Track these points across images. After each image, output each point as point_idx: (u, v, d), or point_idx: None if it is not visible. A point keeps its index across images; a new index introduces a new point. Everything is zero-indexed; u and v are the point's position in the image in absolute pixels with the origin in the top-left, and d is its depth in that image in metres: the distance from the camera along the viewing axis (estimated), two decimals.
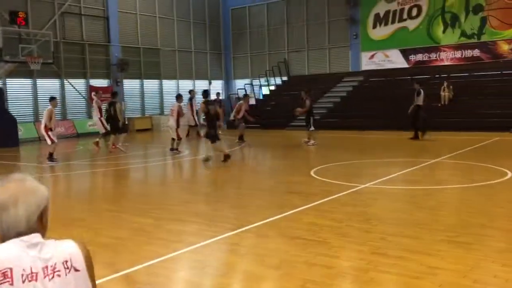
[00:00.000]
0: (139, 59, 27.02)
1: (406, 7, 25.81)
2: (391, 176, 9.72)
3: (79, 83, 24.46)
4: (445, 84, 21.68)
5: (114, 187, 10.45)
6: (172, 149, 14.94)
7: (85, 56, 24.53)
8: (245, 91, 25.49)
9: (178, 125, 14.89)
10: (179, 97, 15.58)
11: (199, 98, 28.16)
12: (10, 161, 14.69)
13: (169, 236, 5.99)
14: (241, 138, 17.20)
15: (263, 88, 30.05)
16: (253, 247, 5.47)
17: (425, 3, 25.30)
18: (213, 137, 12.34)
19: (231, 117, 18.10)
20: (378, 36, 26.73)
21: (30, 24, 21.62)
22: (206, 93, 13.22)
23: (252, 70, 30.90)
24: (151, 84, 28.03)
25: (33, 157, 16.41)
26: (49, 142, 13.30)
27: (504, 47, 23.56)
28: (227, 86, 32.31)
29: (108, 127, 16.09)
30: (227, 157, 12.25)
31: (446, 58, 25.06)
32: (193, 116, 18.89)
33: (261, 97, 29.51)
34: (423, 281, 4.27)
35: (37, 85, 22.68)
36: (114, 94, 17.02)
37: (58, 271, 1.55)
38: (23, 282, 1.50)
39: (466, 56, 24.51)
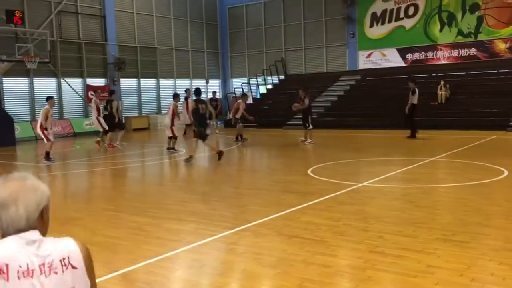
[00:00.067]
0: (136, 58, 26.99)
1: (403, 6, 25.85)
2: (388, 174, 9.74)
3: (76, 82, 24.40)
4: (442, 83, 21.72)
5: (111, 186, 10.44)
6: (169, 148, 14.95)
7: (82, 55, 24.48)
8: (242, 90, 25.50)
9: (173, 123, 14.93)
10: (175, 96, 15.63)
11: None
12: (7, 160, 14.66)
13: (167, 235, 5.99)
14: (238, 137, 17.15)
15: (260, 87, 30.05)
16: (251, 246, 5.47)
17: (422, 2, 25.34)
18: (203, 135, 12.36)
19: (229, 116, 18.05)
20: (375, 35, 26.76)
21: (27, 23, 21.57)
22: (198, 91, 13.15)
23: (249, 69, 30.90)
24: (148, 83, 27.99)
25: (29, 157, 16.37)
26: (45, 141, 13.33)
27: (501, 46, 23.63)
28: (224, 85, 32.30)
29: (106, 126, 16.19)
30: (220, 154, 12.31)
31: (443, 57, 25.11)
32: (189, 114, 18.88)
33: (258, 96, 29.52)
34: (420, 279, 4.28)
35: (34, 84, 22.62)
36: (111, 92, 17.49)
37: (55, 268, 1.55)
38: (19, 278, 1.50)
39: (463, 55, 24.57)
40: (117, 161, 13.81)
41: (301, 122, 16.84)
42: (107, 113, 16.49)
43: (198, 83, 30.56)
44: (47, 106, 13.38)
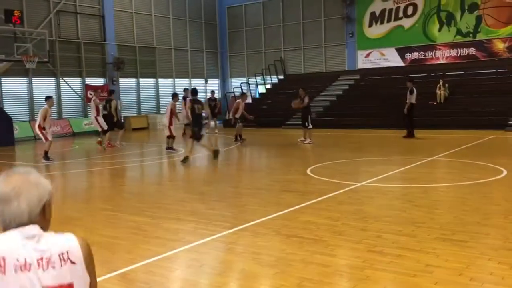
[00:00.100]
0: (135, 58, 26.98)
1: (402, 6, 25.86)
2: (387, 174, 9.75)
3: (75, 82, 24.38)
4: (441, 82, 21.74)
5: (110, 186, 10.43)
6: (168, 148, 14.96)
7: (81, 54, 24.47)
8: (241, 89, 25.50)
9: (170, 123, 14.94)
10: (174, 96, 15.64)
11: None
12: (6, 160, 14.64)
13: (166, 235, 5.99)
14: (237, 137, 17.11)
15: (259, 86, 30.04)
16: (250, 245, 5.47)
17: (421, 2, 25.36)
18: (196, 135, 12.33)
19: (230, 116, 17.98)
20: (374, 35, 26.77)
21: (25, 22, 21.55)
22: (194, 91, 13.07)
23: (248, 69, 30.89)
24: (147, 83, 27.99)
25: (28, 156, 16.35)
26: (44, 140, 13.35)
27: (500, 46, 23.64)
28: (224, 84, 32.30)
29: (104, 125, 16.24)
30: (216, 152, 12.31)
31: (442, 56, 25.13)
32: (188, 114, 18.88)
33: (257, 96, 29.51)
34: (419, 279, 4.28)
35: (33, 84, 22.60)
36: (111, 92, 17.71)
37: (54, 263, 1.55)
38: (16, 272, 1.51)
39: (461, 54, 24.59)
40: (116, 161, 13.80)
41: (300, 122, 16.82)
42: (106, 112, 16.56)
43: (197, 82, 30.58)
44: (46, 106, 13.38)
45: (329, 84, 26.64)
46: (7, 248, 1.54)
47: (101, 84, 25.07)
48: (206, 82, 31.02)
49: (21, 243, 1.55)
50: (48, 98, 13.67)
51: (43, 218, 1.63)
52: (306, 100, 16.21)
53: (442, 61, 25.07)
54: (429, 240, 5.37)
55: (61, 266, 1.56)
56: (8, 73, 21.08)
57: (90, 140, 20.10)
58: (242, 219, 6.53)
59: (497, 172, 9.48)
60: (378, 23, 26.60)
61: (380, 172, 9.88)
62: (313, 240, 5.49)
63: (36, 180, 1.63)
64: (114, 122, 16.62)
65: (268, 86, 29.40)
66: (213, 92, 24.16)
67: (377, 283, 4.26)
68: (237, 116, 17.01)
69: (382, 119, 20.57)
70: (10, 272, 1.50)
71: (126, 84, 26.74)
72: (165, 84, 28.78)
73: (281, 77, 29.33)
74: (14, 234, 1.56)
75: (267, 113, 24.85)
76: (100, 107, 16.66)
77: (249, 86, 29.12)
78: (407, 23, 25.82)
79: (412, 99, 16.60)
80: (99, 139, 16.38)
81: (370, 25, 26.86)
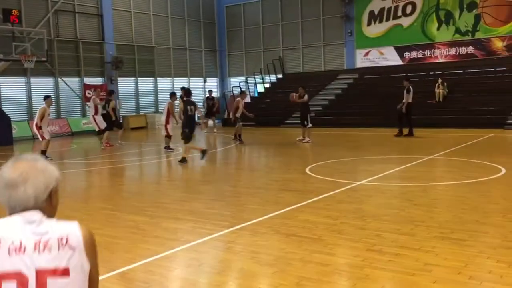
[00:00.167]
0: (133, 57, 26.94)
1: (401, 4, 25.86)
2: (386, 173, 9.75)
3: (73, 81, 24.35)
4: (440, 81, 21.75)
5: (109, 185, 10.43)
6: (166, 147, 14.95)
7: (79, 54, 24.44)
8: (240, 88, 25.48)
9: (167, 122, 14.93)
10: (172, 95, 15.63)
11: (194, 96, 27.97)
12: (4, 159, 14.60)
13: (165, 234, 5.99)
14: (237, 136, 17.03)
15: (258, 85, 30.03)
16: (249, 244, 5.47)
17: (420, 0, 25.36)
18: (187, 136, 12.26)
19: (231, 115, 17.87)
20: (373, 34, 26.76)
21: (24, 22, 21.52)
22: (187, 92, 12.90)
23: (247, 68, 30.87)
24: (145, 82, 27.96)
25: None
26: (40, 139, 13.40)
27: (498, 44, 23.65)
28: (222, 84, 32.27)
29: (102, 125, 16.33)
30: (204, 152, 12.25)
31: (441, 55, 25.13)
32: (180, 115, 18.89)
33: (256, 95, 29.50)
34: (418, 277, 4.28)
35: (31, 84, 22.57)
36: (110, 92, 17.76)
37: (51, 246, 1.55)
38: (10, 254, 1.52)
39: (460, 53, 24.60)
40: (115, 160, 13.79)
41: (299, 121, 16.79)
42: (105, 112, 16.65)
43: (196, 82, 30.59)
44: (44, 105, 13.37)
45: (328, 83, 26.64)
46: (4, 231, 1.55)
47: (100, 84, 25.04)
48: (205, 81, 31.00)
49: (20, 226, 1.56)
50: (46, 97, 13.67)
51: (49, 204, 1.65)
52: (306, 97, 16.23)
53: (440, 60, 25.07)
54: (428, 238, 5.37)
55: (59, 250, 1.56)
56: (6, 72, 21.05)
57: (88, 139, 20.09)
58: (241, 218, 6.53)
59: (496, 171, 9.50)
60: (377, 21, 26.60)
61: (379, 171, 9.88)
62: (312, 239, 5.50)
63: (43, 167, 1.65)
64: (112, 121, 16.68)
65: (267, 85, 29.38)
66: (210, 91, 24.15)
67: (376, 282, 4.27)
68: (238, 115, 16.91)
69: (381, 118, 20.57)
70: (4, 254, 1.52)
71: (124, 83, 26.71)
72: (164, 83, 28.75)
73: (280, 76, 29.32)
74: (15, 218, 1.58)
75: (266, 112, 24.84)
76: (100, 106, 16.69)
77: (248, 85, 29.10)
78: (405, 22, 25.82)
79: (409, 98, 16.62)
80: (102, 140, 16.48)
81: (369, 24, 26.85)
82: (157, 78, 28.37)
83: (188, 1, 29.84)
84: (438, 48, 25.15)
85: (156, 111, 27.58)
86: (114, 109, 16.80)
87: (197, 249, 5.38)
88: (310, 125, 16.18)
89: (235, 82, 29.46)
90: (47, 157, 13.25)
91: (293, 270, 4.56)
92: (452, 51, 24.82)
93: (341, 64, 28.00)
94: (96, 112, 16.52)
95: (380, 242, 5.27)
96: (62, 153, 16.12)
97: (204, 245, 5.49)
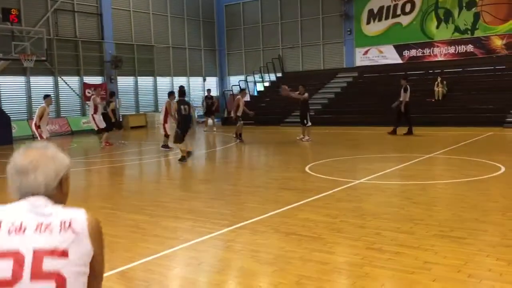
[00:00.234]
0: (133, 56, 26.92)
1: (400, 3, 25.85)
2: (385, 171, 9.76)
3: (73, 81, 24.34)
4: (439, 79, 21.75)
5: (108, 185, 10.43)
6: (163, 146, 14.94)
7: (79, 53, 24.41)
8: (240, 87, 25.48)
9: (165, 121, 14.92)
10: (171, 94, 15.59)
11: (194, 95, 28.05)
12: (4, 159, 14.60)
13: (164, 233, 5.99)
14: (238, 135, 16.97)
15: (257, 84, 30.01)
16: (248, 243, 5.47)
17: None
18: (178, 137, 12.21)
19: (232, 114, 17.81)
20: (372, 32, 26.75)
21: (23, 21, 21.50)
22: (181, 91, 12.79)
23: (247, 67, 30.86)
24: (145, 81, 27.93)
25: None
26: (39, 138, 13.42)
27: (497, 42, 23.65)
28: (222, 82, 32.26)
29: (101, 124, 16.41)
30: (188, 154, 12.13)
31: (440, 53, 25.13)
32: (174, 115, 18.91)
33: (255, 94, 29.49)
34: (417, 276, 4.29)
35: (31, 83, 22.56)
36: (111, 94, 17.90)
37: (52, 228, 1.56)
38: (9, 234, 1.54)
39: (459, 51, 24.59)
40: (114, 159, 13.79)
41: (299, 120, 16.78)
42: (105, 112, 16.73)
43: (195, 81, 30.60)
44: (43, 105, 13.38)
45: (327, 81, 26.64)
46: (6, 213, 1.58)
47: (99, 83, 25.02)
48: (204, 80, 30.98)
49: (23, 210, 1.59)
50: (46, 96, 13.67)
51: (60, 191, 1.67)
52: (306, 95, 16.24)
53: (440, 58, 25.07)
54: (427, 237, 5.38)
55: (60, 232, 1.56)
56: (5, 71, 21.03)
57: (88, 138, 20.09)
58: (241, 217, 6.53)
59: (495, 169, 9.50)
60: (376, 20, 26.59)
61: (379, 169, 9.89)
62: (312, 238, 5.50)
63: (53, 155, 1.68)
64: (112, 123, 16.75)
65: (267, 84, 29.37)
66: (209, 90, 24.14)
67: (375, 280, 4.27)
68: (239, 113, 16.82)
69: (380, 117, 20.55)
70: (4, 234, 1.54)
71: (124, 82, 26.69)
72: (163, 82, 28.74)
73: (279, 74, 29.30)
74: (20, 203, 1.61)
75: (265, 111, 24.82)
76: (100, 106, 16.74)
77: (247, 84, 29.08)
78: (405, 20, 25.81)
79: (406, 97, 16.65)
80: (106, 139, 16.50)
81: (368, 23, 26.84)
82: (157, 77, 28.35)
83: (187, 0, 29.81)
84: (438, 46, 25.14)
85: (156, 110, 27.56)
86: (114, 111, 16.84)
87: (197, 248, 5.38)
88: (309, 123, 16.18)
89: (235, 81, 29.45)
90: None
91: (292, 269, 4.57)
92: (452, 50, 24.82)
93: (341, 62, 28.00)
94: (95, 111, 16.53)
95: (380, 241, 5.28)
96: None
97: (203, 244, 5.49)
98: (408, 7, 25.68)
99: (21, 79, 22.34)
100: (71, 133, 22.93)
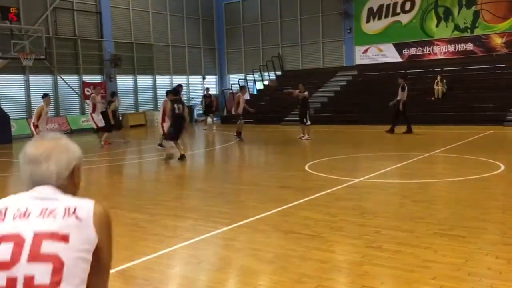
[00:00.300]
0: (132, 55, 26.90)
1: (400, 1, 25.82)
2: (385, 170, 9.75)
3: (72, 79, 24.32)
4: (439, 78, 21.74)
5: (108, 183, 10.43)
6: (159, 145, 14.91)
7: (78, 51, 24.39)
8: (239, 86, 25.43)
9: (163, 120, 14.89)
10: (169, 93, 15.58)
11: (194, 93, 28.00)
12: (3, 157, 14.61)
13: (164, 232, 5.99)
14: (238, 134, 16.94)
15: (257, 83, 30.00)
16: (248, 242, 5.47)
17: None
18: (171, 136, 12.14)
19: (233, 111, 17.77)
20: (372, 30, 26.73)
21: (22, 19, 21.46)
22: (175, 90, 12.73)
23: (246, 65, 30.84)
24: (144, 80, 27.91)
25: None
26: None
27: (497, 41, 23.64)
28: (221, 81, 32.24)
29: (99, 123, 16.42)
30: (169, 157, 12.07)
31: (440, 52, 25.11)
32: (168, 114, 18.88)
33: (255, 92, 29.47)
34: (417, 274, 4.29)
35: (30, 81, 22.54)
36: (112, 94, 17.87)
37: (56, 213, 1.57)
38: (14, 219, 1.56)
39: (459, 50, 24.58)
40: (114, 158, 13.79)
41: (298, 119, 16.77)
42: (105, 111, 16.73)
43: (195, 79, 30.57)
44: (42, 104, 13.37)
45: (327, 80, 26.62)
46: (13, 199, 1.61)
47: (99, 81, 25.00)
48: (203, 78, 30.96)
49: (32, 197, 1.61)
50: (44, 96, 13.65)
51: (71, 182, 1.70)
52: (306, 94, 16.24)
53: (440, 57, 25.06)
54: (427, 235, 5.38)
55: (63, 217, 1.57)
56: (4, 70, 21.01)
57: (87, 137, 20.07)
58: (241, 216, 6.53)
59: (495, 167, 9.50)
60: (376, 18, 26.57)
61: (378, 167, 9.88)
62: (312, 236, 5.50)
63: (65, 145, 1.71)
64: (111, 125, 16.69)
65: (266, 83, 29.35)
66: (207, 88, 24.13)
67: (375, 279, 4.27)
68: (240, 111, 16.75)
69: (380, 115, 20.54)
70: (9, 220, 1.56)
71: (123, 81, 26.67)
72: (163, 81, 28.71)
73: (279, 73, 29.29)
74: (28, 192, 1.63)
75: (265, 110, 24.79)
76: (100, 105, 16.74)
77: (247, 83, 29.06)
78: (404, 18, 25.79)
79: (404, 96, 16.66)
80: (106, 139, 16.49)
81: (368, 21, 26.82)
82: (156, 76, 28.33)
83: None
84: (437, 45, 25.13)
85: (155, 108, 27.51)
86: (114, 111, 16.78)
87: (197, 246, 5.38)
88: (308, 122, 16.17)
89: (234, 80, 29.44)
90: None
91: (292, 267, 4.56)
92: (451, 48, 24.81)
93: (340, 61, 27.98)
94: (93, 110, 16.54)
95: (380, 239, 5.28)
96: None
97: (203, 243, 5.49)
98: (407, 5, 25.66)
99: (20, 77, 22.32)
100: (71, 132, 22.90)
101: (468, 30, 24.23)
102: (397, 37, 25.90)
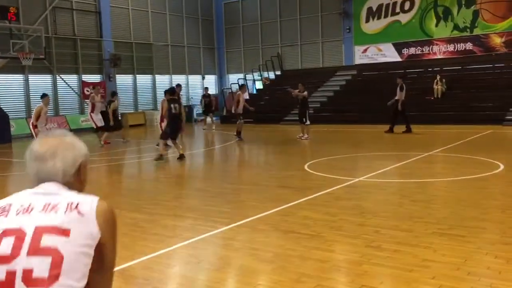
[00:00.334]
0: (131, 54, 26.89)
1: (399, 1, 25.83)
2: (384, 169, 9.76)
3: (71, 79, 24.31)
4: (438, 77, 21.75)
5: (107, 183, 10.42)
6: (158, 144, 14.91)
7: (77, 51, 24.38)
8: (238, 84, 25.42)
9: (161, 119, 14.90)
10: (166, 93, 15.58)
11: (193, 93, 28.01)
12: (3, 157, 14.60)
13: (164, 231, 5.99)
14: (238, 134, 16.91)
15: (256, 82, 29.99)
16: (248, 241, 5.48)
17: None
18: (164, 135, 12.11)
19: (233, 110, 17.75)
20: (371, 30, 26.74)
21: (21, 19, 21.45)
22: (171, 90, 12.70)
23: (246, 65, 30.84)
24: (144, 79, 27.91)
25: None
26: (35, 138, 13.40)
27: (497, 40, 23.65)
28: (221, 80, 32.24)
29: (99, 123, 16.43)
30: (160, 157, 12.03)
31: (439, 51, 25.12)
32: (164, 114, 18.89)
33: (254, 92, 29.47)
34: (416, 273, 4.29)
35: (29, 81, 22.53)
36: (113, 93, 17.83)
37: (58, 208, 1.58)
38: (17, 214, 1.57)
39: (458, 49, 24.58)
40: (113, 158, 13.79)
41: (298, 118, 16.77)
42: (105, 110, 16.75)
43: (194, 79, 30.57)
44: (41, 104, 13.36)
45: (326, 79, 26.62)
46: (17, 196, 1.63)
47: (98, 81, 24.99)
48: (203, 78, 30.96)
49: (35, 192, 1.62)
50: (43, 96, 13.63)
51: (77, 179, 1.71)
52: (306, 93, 16.26)
53: (439, 56, 25.07)
54: (426, 235, 5.38)
55: (65, 212, 1.57)
56: (4, 70, 21.00)
57: (87, 137, 20.06)
58: (240, 215, 6.53)
59: (494, 167, 9.51)
60: (375, 18, 26.57)
61: (378, 167, 9.89)
62: (311, 236, 5.50)
63: (71, 142, 1.72)
64: (111, 126, 16.67)
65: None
66: (206, 88, 24.12)
67: (374, 278, 4.28)
68: (240, 110, 16.72)
69: (380, 115, 20.54)
70: (12, 215, 1.57)
71: (122, 80, 26.66)
72: (162, 80, 28.71)
73: (278, 72, 29.29)
74: (35, 188, 1.64)
75: (264, 109, 24.78)
76: (100, 105, 16.74)
77: (247, 82, 29.03)
78: (404, 18, 25.79)
79: (402, 95, 16.69)
80: (106, 139, 16.50)
81: (367, 21, 26.82)
82: (155, 75, 28.33)
83: None
84: (437, 44, 25.14)
85: (155, 108, 27.51)
86: (114, 111, 16.74)
87: (196, 246, 5.38)
88: (308, 122, 16.18)
89: (234, 79, 29.44)
90: None
91: (292, 267, 4.57)
92: (451, 48, 24.81)
93: (340, 60, 27.98)
94: (92, 110, 16.54)
95: (379, 239, 5.28)
96: None
97: (203, 242, 5.49)
98: (407, 5, 25.67)
99: (19, 77, 22.31)
100: (70, 131, 22.89)
101: (468, 30, 24.24)
102: (397, 37, 25.90)
